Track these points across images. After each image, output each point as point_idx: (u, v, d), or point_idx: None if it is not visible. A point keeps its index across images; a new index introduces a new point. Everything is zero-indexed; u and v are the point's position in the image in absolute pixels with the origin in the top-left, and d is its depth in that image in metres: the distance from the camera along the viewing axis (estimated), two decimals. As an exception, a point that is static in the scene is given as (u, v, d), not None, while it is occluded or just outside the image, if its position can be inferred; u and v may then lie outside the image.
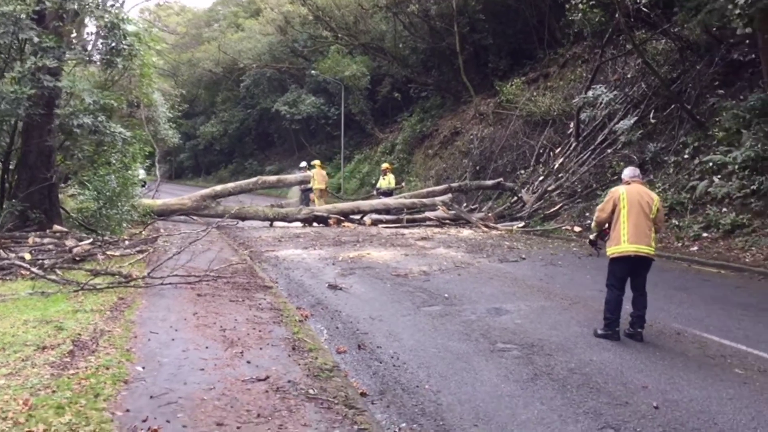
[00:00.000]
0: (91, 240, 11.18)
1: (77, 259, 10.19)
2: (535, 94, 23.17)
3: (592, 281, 10.34)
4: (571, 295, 9.22)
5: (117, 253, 11.16)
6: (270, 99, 39.33)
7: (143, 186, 32.79)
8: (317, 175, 22.11)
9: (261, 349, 6.09)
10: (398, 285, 10.10)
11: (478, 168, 24.04)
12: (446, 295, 9.29)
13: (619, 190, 7.10)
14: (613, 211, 7.03)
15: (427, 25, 28.67)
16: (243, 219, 19.15)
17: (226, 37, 42.84)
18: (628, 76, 20.07)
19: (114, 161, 16.08)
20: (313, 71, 33.07)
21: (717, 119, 15.69)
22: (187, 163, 55.06)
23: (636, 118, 17.59)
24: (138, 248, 11.74)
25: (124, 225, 14.63)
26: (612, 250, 7.01)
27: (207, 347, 6.01)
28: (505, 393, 5.36)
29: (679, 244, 13.74)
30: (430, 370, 5.95)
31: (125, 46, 12.43)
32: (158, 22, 67.10)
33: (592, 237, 7.58)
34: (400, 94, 32.57)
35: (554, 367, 6.00)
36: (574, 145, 20.45)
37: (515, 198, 20.26)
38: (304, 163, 22.31)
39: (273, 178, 20.84)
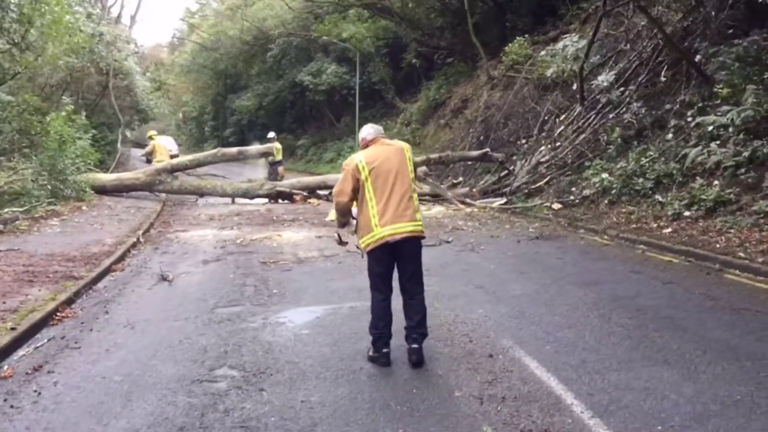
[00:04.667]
0: None
1: None
2: (543, 53, 20.46)
3: (490, 273, 8.25)
4: (434, 292, 7.16)
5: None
6: (296, 69, 37.69)
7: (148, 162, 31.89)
8: (159, 147, 20.20)
9: None
10: (245, 275, 8.37)
11: (481, 138, 21.68)
12: (276, 291, 7.44)
13: (355, 159, 5.01)
14: (356, 190, 4.98)
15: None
16: (201, 195, 17.74)
17: (248, 4, 41.28)
18: (639, 28, 17.25)
19: (53, 134, 15.02)
20: (314, 35, 31.03)
21: (725, 72, 12.94)
22: (232, 138, 54.41)
23: (613, 72, 14.90)
24: (-5, 229, 10.37)
25: (42, 202, 13.42)
26: (364, 240, 4.96)
27: None
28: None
29: (655, 225, 11.27)
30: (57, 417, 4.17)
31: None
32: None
33: (340, 233, 5.46)
34: (424, 60, 30.22)
35: (206, 417, 4.10)
36: (578, 110, 17.85)
37: (505, 171, 17.88)
38: (272, 134, 20.50)
39: (234, 150, 19.22)
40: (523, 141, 19.66)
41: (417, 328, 4.93)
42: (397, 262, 4.98)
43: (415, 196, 5.00)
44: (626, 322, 5.89)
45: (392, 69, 32.71)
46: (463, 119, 24.12)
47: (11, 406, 4.27)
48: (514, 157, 18.72)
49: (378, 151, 5.02)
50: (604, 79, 14.43)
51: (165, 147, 20.70)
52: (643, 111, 14.32)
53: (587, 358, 4.96)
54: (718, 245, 9.32)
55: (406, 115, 30.23)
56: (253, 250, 10.27)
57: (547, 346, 5.27)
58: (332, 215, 5.52)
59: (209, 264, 9.22)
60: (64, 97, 17.18)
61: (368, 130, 5.21)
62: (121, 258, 9.58)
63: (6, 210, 11.79)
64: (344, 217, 5.28)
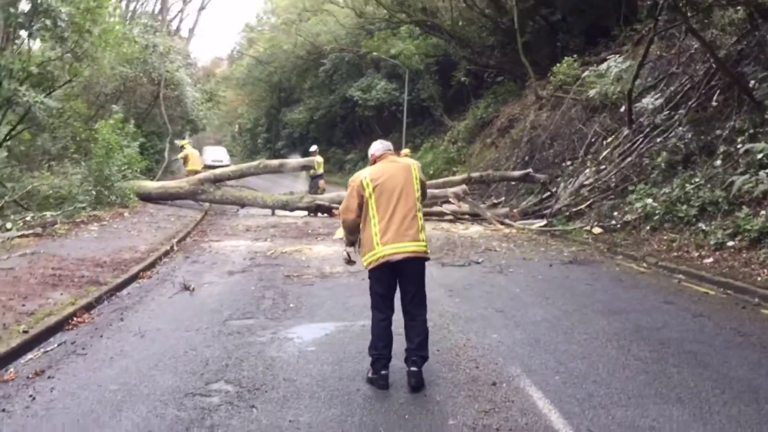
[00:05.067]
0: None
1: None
2: (587, 73, 20.07)
3: (513, 296, 8.03)
4: (451, 314, 7.03)
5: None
6: (347, 85, 37.97)
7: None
8: (191, 156, 20.51)
9: None
10: (266, 288, 8.37)
11: (526, 158, 21.38)
12: (293, 305, 7.40)
13: (360, 176, 4.92)
14: (362, 206, 4.87)
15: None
16: (242, 205, 17.95)
17: (303, 20, 41.85)
18: (691, 51, 16.76)
19: (101, 141, 15.44)
20: (363, 50, 31.15)
21: (777, 98, 12.46)
22: (284, 150, 55.09)
23: (661, 95, 14.45)
24: (33, 232, 10.63)
25: (86, 207, 13.76)
26: (367, 258, 4.85)
27: None
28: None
29: (696, 254, 10.83)
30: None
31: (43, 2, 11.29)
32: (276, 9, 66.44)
33: (349, 251, 5.31)
34: (474, 78, 30.01)
35: None
36: (626, 133, 17.41)
37: (548, 192, 17.56)
38: (314, 147, 20.53)
39: (275, 162, 19.43)
40: (568, 162, 19.28)
41: (417, 351, 4.80)
42: (399, 282, 4.86)
43: (420, 215, 4.88)
44: (645, 355, 5.62)
45: (441, 86, 32.63)
46: (509, 139, 23.85)
47: (2, 410, 4.30)
48: (558, 179, 18.37)
49: (384, 168, 4.93)
50: (649, 101, 14.01)
51: (198, 157, 21.11)
52: (690, 136, 13.86)
53: (595, 392, 4.74)
54: (759, 278, 8.89)
55: (454, 132, 30.04)
56: (281, 262, 10.28)
57: (555, 377, 5.06)
58: (340, 233, 5.42)
59: (234, 275, 9.25)
60: (114, 106, 17.65)
61: (377, 147, 5.14)
62: (151, 265, 9.71)
63: (47, 213, 12.12)
64: (352, 235, 5.18)
